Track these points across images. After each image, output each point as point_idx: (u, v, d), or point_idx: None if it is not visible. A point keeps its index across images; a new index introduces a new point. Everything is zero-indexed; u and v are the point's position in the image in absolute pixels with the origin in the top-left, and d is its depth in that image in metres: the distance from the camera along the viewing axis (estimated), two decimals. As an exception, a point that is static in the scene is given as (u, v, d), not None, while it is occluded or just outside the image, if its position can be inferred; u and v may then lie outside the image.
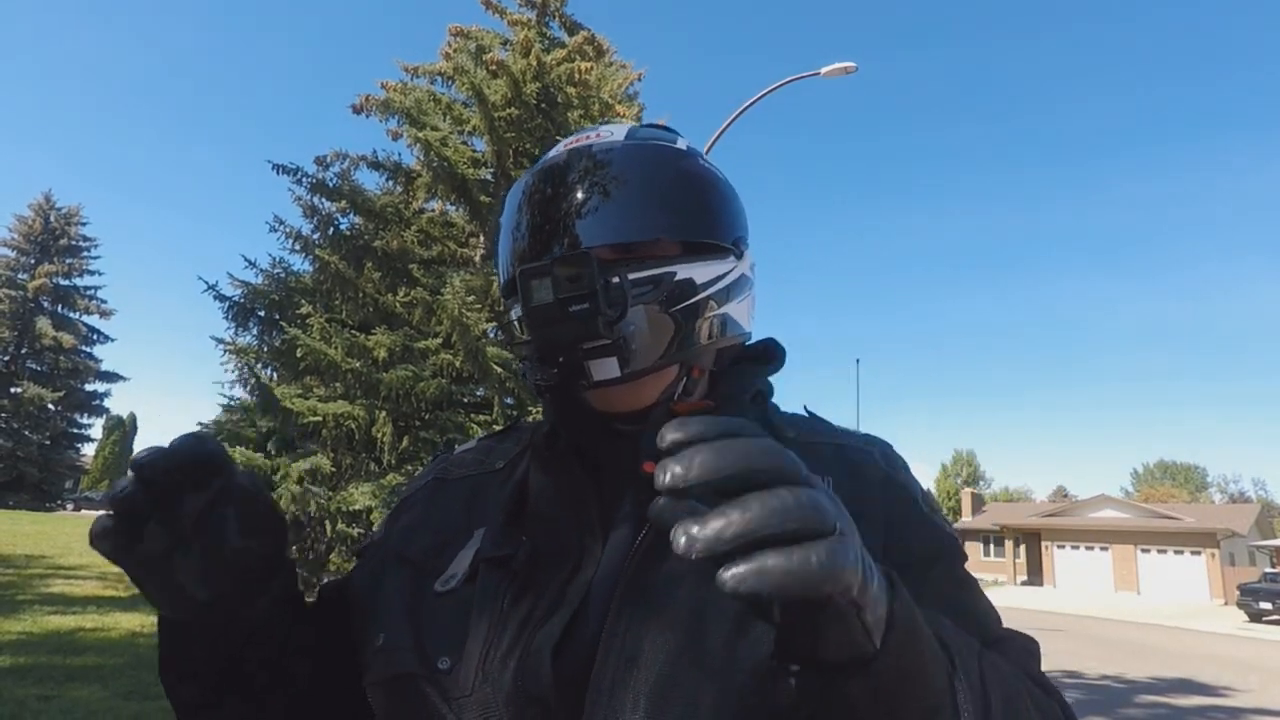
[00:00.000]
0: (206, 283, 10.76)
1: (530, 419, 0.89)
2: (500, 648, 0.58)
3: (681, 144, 0.76)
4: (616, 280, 0.63)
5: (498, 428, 0.99)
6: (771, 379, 0.80)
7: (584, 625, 0.59)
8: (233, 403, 12.11)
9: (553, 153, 0.76)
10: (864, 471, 0.69)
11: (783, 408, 0.80)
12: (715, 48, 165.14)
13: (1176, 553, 33.75)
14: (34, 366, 33.64)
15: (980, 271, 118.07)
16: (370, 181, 12.12)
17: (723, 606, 0.58)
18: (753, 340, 0.79)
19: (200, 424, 11.61)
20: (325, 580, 9.21)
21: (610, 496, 0.66)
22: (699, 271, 0.69)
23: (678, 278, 0.67)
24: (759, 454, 0.38)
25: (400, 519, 0.77)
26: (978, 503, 47.08)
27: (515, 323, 0.73)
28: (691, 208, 0.72)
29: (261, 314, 11.33)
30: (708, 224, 0.72)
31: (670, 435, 0.41)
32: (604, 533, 0.64)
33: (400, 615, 0.65)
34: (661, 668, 0.55)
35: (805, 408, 0.80)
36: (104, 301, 35.78)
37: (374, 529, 0.79)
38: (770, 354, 0.80)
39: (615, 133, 0.75)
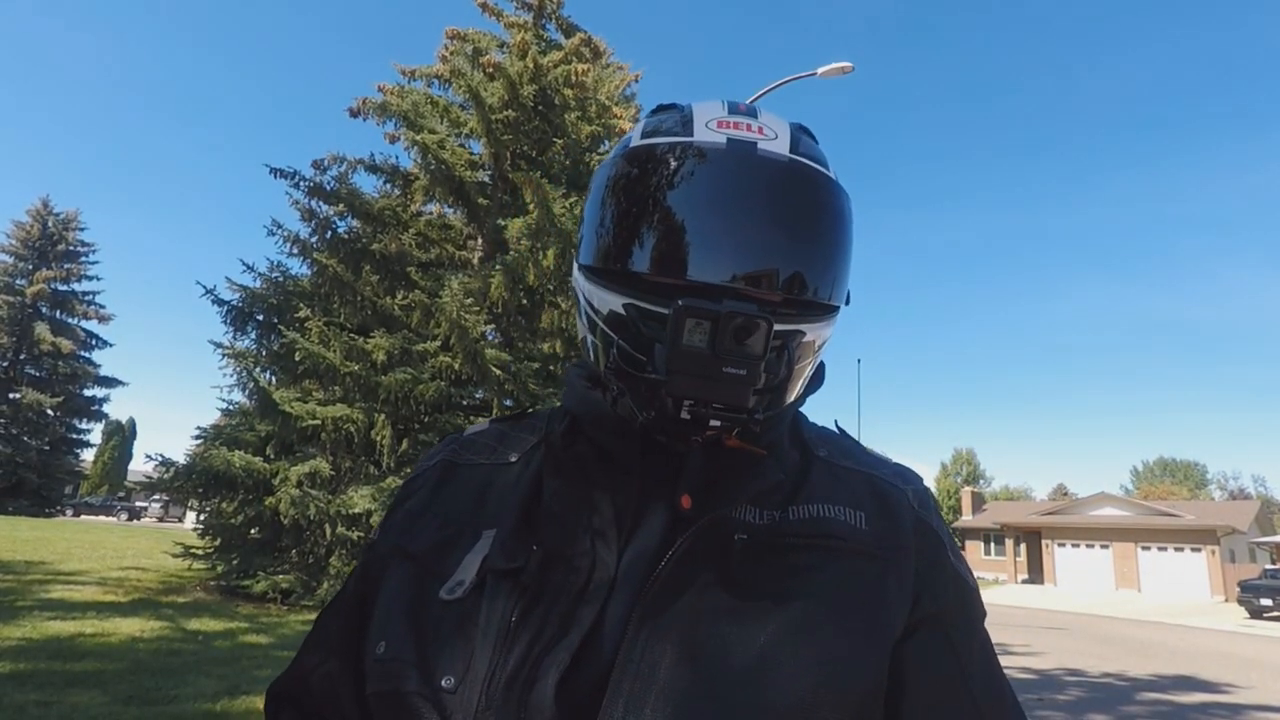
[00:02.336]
0: (204, 287, 10.79)
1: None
2: (506, 670, 0.55)
3: (831, 169, 0.69)
4: (779, 346, 0.59)
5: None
6: None
7: (596, 650, 0.56)
8: (232, 407, 12.10)
9: (704, 129, 0.65)
10: (896, 510, 0.67)
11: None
12: (713, 48, 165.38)
13: (1177, 550, 33.77)
14: (32, 372, 33.53)
15: (979, 270, 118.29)
16: (368, 185, 12.16)
17: (749, 643, 0.56)
18: None
19: (199, 429, 11.59)
20: (325, 584, 9.04)
21: (629, 505, 0.63)
22: (820, 332, 0.65)
23: (805, 339, 0.63)
24: None
25: (405, 503, 0.74)
26: (978, 501, 47.09)
27: (603, 317, 0.65)
28: (836, 263, 0.66)
29: (260, 318, 11.33)
30: (842, 283, 0.67)
31: None
32: (619, 544, 0.61)
33: (402, 622, 0.62)
34: (678, 706, 0.53)
35: (836, 423, 0.78)
36: (102, 306, 35.70)
37: (374, 530, 0.76)
38: (814, 374, 0.75)
39: (778, 134, 0.66)
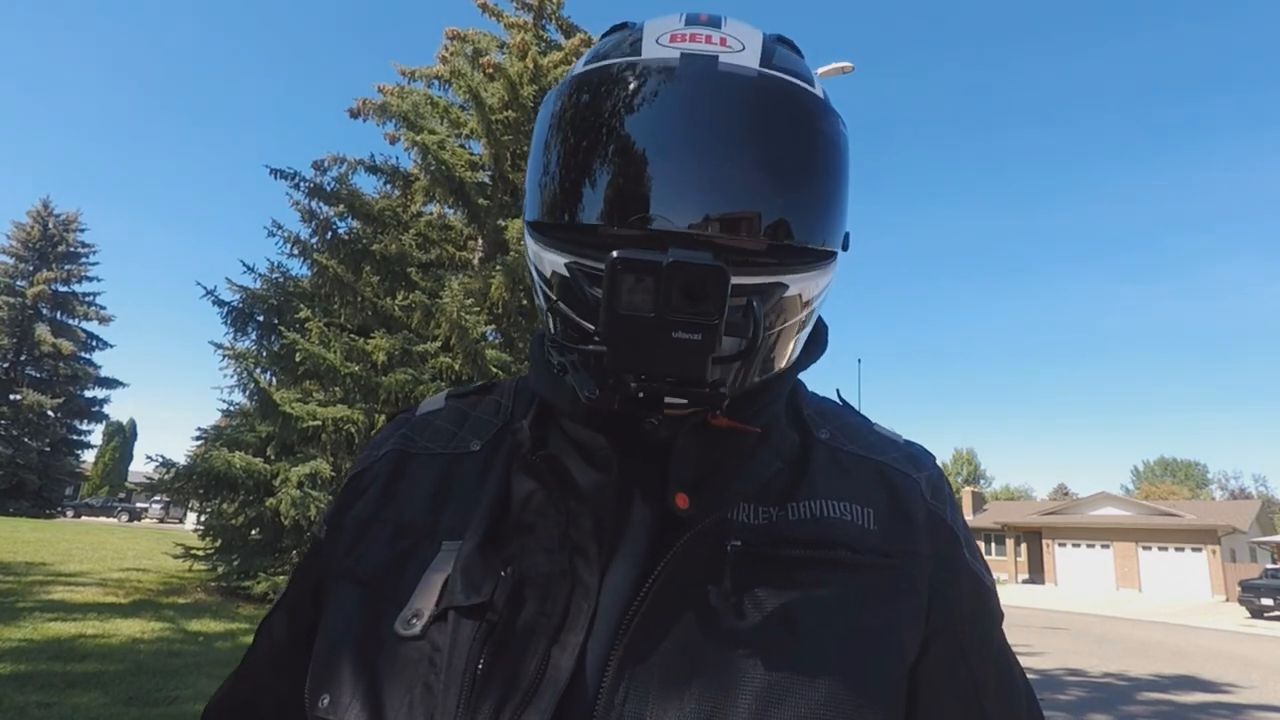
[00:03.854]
0: (205, 288, 10.78)
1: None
2: None
3: (817, 85, 0.59)
4: (742, 305, 0.50)
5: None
6: None
7: (577, 703, 0.48)
8: (232, 408, 12.11)
9: (653, 43, 0.56)
10: (907, 505, 0.59)
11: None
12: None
13: (1178, 550, 33.74)
14: (33, 373, 33.57)
15: (980, 270, 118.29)
16: (368, 185, 12.14)
17: (746, 682, 0.48)
18: None
19: (200, 429, 11.60)
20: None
21: (613, 510, 0.54)
22: (810, 284, 0.55)
23: (788, 293, 0.54)
24: None
25: (353, 506, 0.63)
26: (979, 501, 47.06)
27: (545, 280, 0.57)
28: (822, 198, 0.56)
29: (260, 319, 11.32)
30: (834, 222, 0.57)
31: None
32: (602, 561, 0.52)
33: (350, 669, 0.53)
34: None
35: (838, 393, 0.69)
36: (103, 308, 35.74)
37: (323, 510, 0.65)
38: (813, 336, 0.64)
39: (746, 44, 0.56)
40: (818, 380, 0.69)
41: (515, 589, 0.52)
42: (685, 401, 0.51)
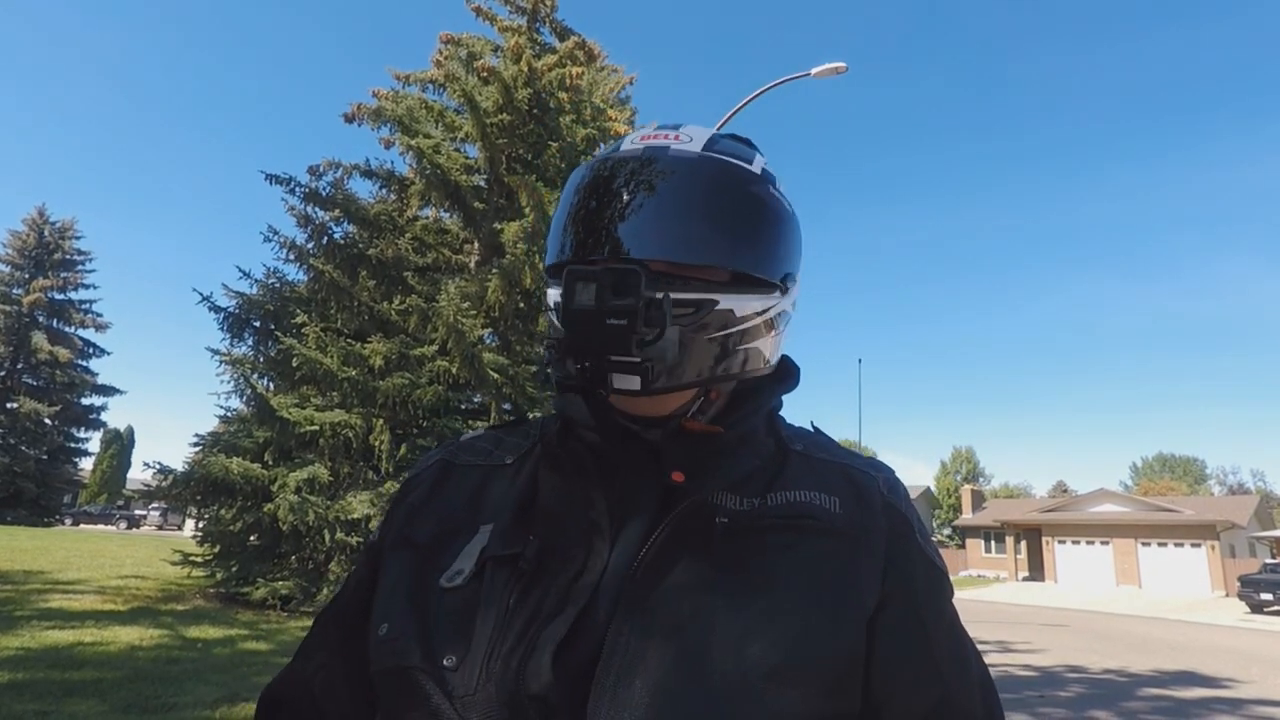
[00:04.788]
0: (201, 294, 10.77)
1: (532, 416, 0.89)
2: (505, 645, 0.59)
3: (757, 165, 0.75)
4: (660, 298, 0.63)
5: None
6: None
7: (590, 626, 0.60)
8: (230, 414, 12.08)
9: (628, 143, 0.75)
10: (867, 495, 0.71)
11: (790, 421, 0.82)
12: (708, 50, 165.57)
13: (1177, 545, 33.79)
14: (30, 381, 33.43)
15: (978, 269, 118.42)
16: (364, 190, 12.19)
17: (728, 619, 0.60)
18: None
19: (198, 436, 11.57)
20: (324, 590, 9.00)
21: (620, 497, 0.67)
22: (741, 304, 0.69)
23: (719, 307, 0.68)
24: None
25: (406, 498, 0.78)
26: (978, 499, 47.10)
27: (553, 309, 0.73)
28: (749, 238, 0.71)
29: (257, 324, 11.31)
30: (761, 257, 0.71)
31: None
32: (612, 534, 0.65)
33: (404, 605, 0.66)
34: (662, 677, 0.57)
35: (812, 424, 0.83)
36: (99, 315, 35.63)
37: (374, 532, 0.77)
38: (786, 372, 0.80)
39: (695, 138, 0.74)
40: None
41: (541, 550, 0.65)
42: (638, 385, 0.64)
